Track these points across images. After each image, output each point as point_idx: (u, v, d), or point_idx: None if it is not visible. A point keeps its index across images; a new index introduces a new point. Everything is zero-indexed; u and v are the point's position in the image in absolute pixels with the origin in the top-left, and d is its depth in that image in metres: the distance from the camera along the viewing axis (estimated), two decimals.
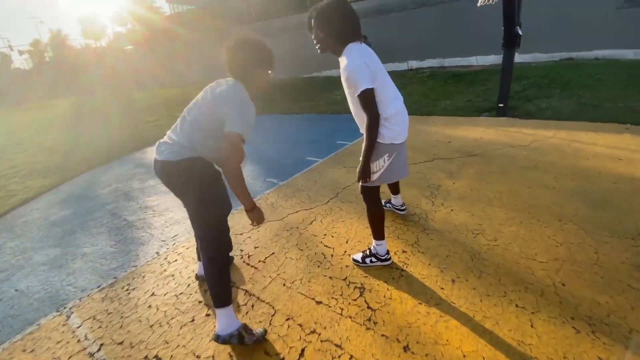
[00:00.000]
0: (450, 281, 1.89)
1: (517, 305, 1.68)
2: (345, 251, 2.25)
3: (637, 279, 1.77)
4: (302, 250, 2.32)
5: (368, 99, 1.60)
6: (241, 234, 2.63)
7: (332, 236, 2.44)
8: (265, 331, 1.66)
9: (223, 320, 1.55)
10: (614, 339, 1.45)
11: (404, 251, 2.18)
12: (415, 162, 3.65)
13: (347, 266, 2.10)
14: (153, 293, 2.09)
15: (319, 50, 1.75)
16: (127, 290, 2.16)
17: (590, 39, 6.99)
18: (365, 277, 1.99)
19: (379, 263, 2.04)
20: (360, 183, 1.87)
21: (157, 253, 2.55)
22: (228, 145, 1.46)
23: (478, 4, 4.44)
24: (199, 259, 2.09)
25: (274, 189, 3.46)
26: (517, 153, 3.62)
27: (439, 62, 9.34)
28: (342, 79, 1.67)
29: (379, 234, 1.99)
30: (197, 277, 2.13)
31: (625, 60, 6.65)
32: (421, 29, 8.91)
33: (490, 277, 1.89)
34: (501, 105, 5.10)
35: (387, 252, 2.04)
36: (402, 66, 10.22)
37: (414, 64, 9.86)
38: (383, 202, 2.54)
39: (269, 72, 1.66)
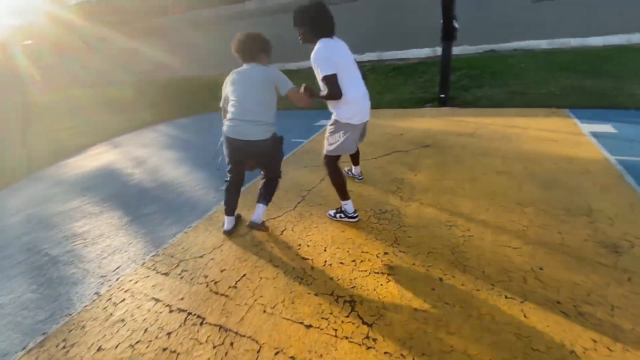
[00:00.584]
0: (438, 280, 1.83)
1: (506, 297, 1.68)
2: (325, 261, 2.08)
3: (603, 255, 1.90)
4: (277, 267, 2.08)
5: (330, 81, 2.00)
6: (201, 257, 2.28)
7: (308, 245, 2.25)
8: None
9: (261, 212, 2.34)
10: (600, 318, 1.51)
11: (385, 253, 2.09)
12: (376, 157, 3.62)
13: (331, 278, 1.93)
14: (100, 347, 1.68)
15: (300, 41, 2.16)
16: (64, 347, 1.71)
17: (509, 31, 7.75)
18: (352, 287, 1.84)
19: (346, 219, 2.45)
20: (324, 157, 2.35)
21: (97, 293, 2.08)
22: (295, 96, 2.13)
23: None
24: (228, 214, 2.48)
25: None
26: (465, 141, 3.80)
27: (377, 56, 9.58)
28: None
29: (343, 195, 2.39)
30: (228, 232, 2.47)
31: (540, 50, 7.52)
32: (359, 22, 9.02)
33: (474, 269, 1.88)
34: (442, 95, 5.36)
35: (355, 211, 2.43)
36: None
37: (354, 57, 9.94)
38: (345, 169, 3.08)
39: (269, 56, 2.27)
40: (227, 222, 2.47)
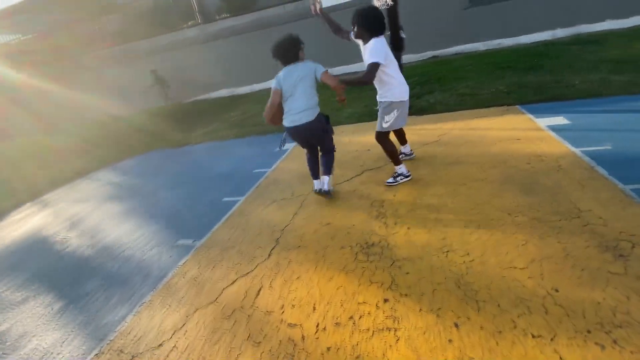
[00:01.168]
0: (453, 326, 1.57)
1: (533, 336, 1.45)
2: (317, 324, 1.72)
3: (609, 261, 1.76)
4: (259, 343, 1.68)
5: (373, 68, 2.48)
6: (159, 346, 1.81)
7: (293, 306, 1.88)
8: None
9: (327, 180, 2.91)
10: (636, 343, 1.33)
11: (385, 300, 1.79)
12: (348, 179, 3.37)
13: (329, 348, 1.58)
14: None
15: (353, 36, 2.73)
16: None
17: (447, 37, 8.13)
18: (357, 357, 1.51)
19: (405, 179, 3.03)
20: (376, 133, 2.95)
21: None
22: (329, 77, 2.61)
23: (377, 5, 4.50)
24: (316, 178, 3.03)
25: (191, 255, 2.66)
26: (434, 150, 3.69)
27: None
28: (365, 54, 2.59)
29: (397, 161, 3.01)
30: (318, 191, 2.96)
31: (478, 52, 7.95)
32: (309, 40, 8.99)
33: (488, 304, 1.64)
34: None
35: (408, 171, 3.06)
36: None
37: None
38: (401, 151, 3.44)
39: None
40: (316, 184, 3.02)
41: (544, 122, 3.87)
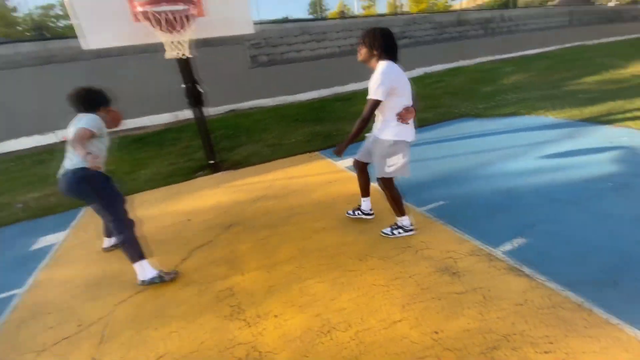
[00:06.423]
0: None
1: None
2: None
3: (451, 282, 2.01)
4: None
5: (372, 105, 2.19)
6: None
7: None
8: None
9: (144, 269, 2.30)
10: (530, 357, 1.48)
11: None
12: (175, 265, 2.54)
13: None
14: None
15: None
16: None
17: (243, 92, 8.53)
18: None
19: (405, 233, 2.54)
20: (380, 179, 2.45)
21: None
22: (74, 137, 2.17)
23: (166, 57, 3.86)
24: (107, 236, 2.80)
25: None
26: (265, 206, 3.48)
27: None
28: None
29: (402, 211, 2.51)
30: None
31: (270, 106, 8.74)
32: (66, 88, 6.96)
33: None
34: (212, 162, 4.89)
35: (411, 224, 2.55)
36: (48, 138, 7.57)
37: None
38: (351, 211, 2.92)
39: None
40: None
41: (342, 164, 4.49)
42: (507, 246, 2.31)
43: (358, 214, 2.89)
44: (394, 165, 2.32)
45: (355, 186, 2.89)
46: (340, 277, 2.18)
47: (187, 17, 3.34)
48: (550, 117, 5.31)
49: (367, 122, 2.22)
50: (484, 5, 19.75)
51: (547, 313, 1.71)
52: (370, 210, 2.87)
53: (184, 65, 4.21)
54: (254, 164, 5.01)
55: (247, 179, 4.41)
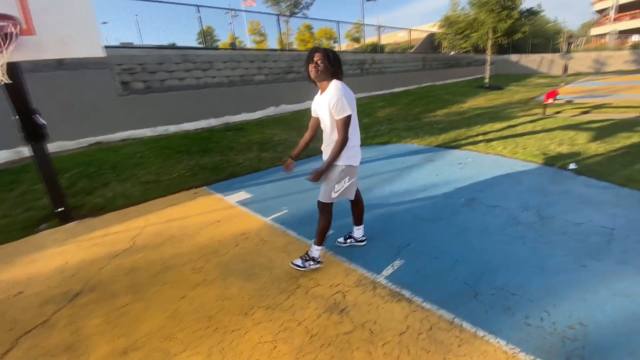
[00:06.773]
0: None
1: None
2: None
3: (338, 321, 1.91)
4: None
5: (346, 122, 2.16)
6: None
7: None
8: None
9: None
10: None
11: None
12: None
13: None
14: None
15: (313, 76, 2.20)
16: None
17: (111, 122, 7.30)
18: None
19: (315, 266, 2.47)
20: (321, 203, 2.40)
21: None
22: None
23: None
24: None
25: None
26: (130, 262, 2.85)
27: None
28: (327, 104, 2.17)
29: (322, 241, 2.45)
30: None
31: (148, 138, 7.69)
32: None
33: None
34: (61, 209, 3.87)
35: (320, 256, 2.48)
36: None
37: None
38: (342, 238, 2.82)
39: None
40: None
41: (232, 198, 4.17)
42: (389, 269, 2.39)
43: (350, 241, 2.81)
44: (339, 190, 2.34)
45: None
46: (219, 342, 1.85)
47: (7, 36, 2.63)
48: (415, 144, 6.18)
49: (346, 141, 2.19)
50: (359, 49, 22.79)
51: (426, 338, 1.75)
52: (363, 236, 2.80)
53: (15, 92, 3.29)
54: (120, 207, 4.18)
55: (109, 227, 3.61)
